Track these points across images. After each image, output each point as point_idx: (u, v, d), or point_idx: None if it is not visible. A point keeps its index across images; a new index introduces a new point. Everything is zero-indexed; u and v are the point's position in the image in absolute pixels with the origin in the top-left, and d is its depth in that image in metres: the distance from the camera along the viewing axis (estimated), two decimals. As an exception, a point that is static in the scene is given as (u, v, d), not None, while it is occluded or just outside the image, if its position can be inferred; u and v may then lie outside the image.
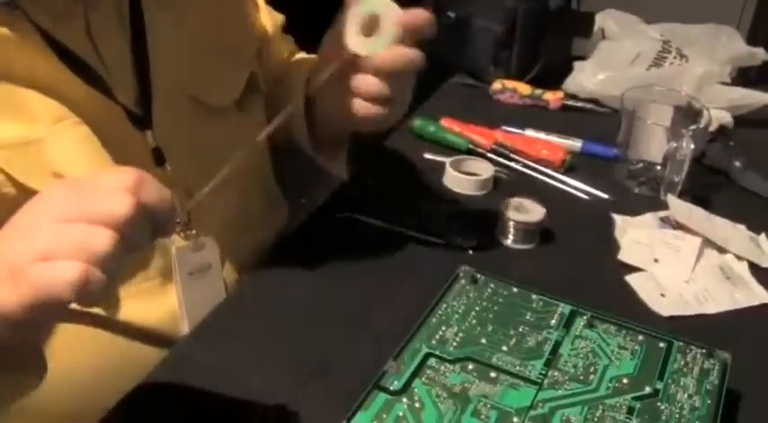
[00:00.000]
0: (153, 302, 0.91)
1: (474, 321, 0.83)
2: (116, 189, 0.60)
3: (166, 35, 0.91)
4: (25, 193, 0.75)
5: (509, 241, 1.05)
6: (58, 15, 0.80)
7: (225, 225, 0.98)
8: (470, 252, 1.02)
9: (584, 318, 0.85)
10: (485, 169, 1.18)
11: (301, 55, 1.21)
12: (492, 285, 0.88)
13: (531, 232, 1.05)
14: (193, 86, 0.95)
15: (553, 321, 0.84)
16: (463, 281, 0.89)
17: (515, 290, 0.88)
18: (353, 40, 0.83)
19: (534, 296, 0.87)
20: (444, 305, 0.85)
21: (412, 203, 1.09)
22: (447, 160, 1.19)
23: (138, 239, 0.61)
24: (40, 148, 0.79)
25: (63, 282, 0.56)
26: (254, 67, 1.06)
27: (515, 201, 1.06)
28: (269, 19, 1.15)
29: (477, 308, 0.85)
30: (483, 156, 1.23)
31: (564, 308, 0.86)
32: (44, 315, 0.61)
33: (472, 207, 1.12)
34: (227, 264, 0.99)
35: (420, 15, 0.84)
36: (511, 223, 1.04)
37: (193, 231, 0.93)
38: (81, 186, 0.61)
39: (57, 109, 0.80)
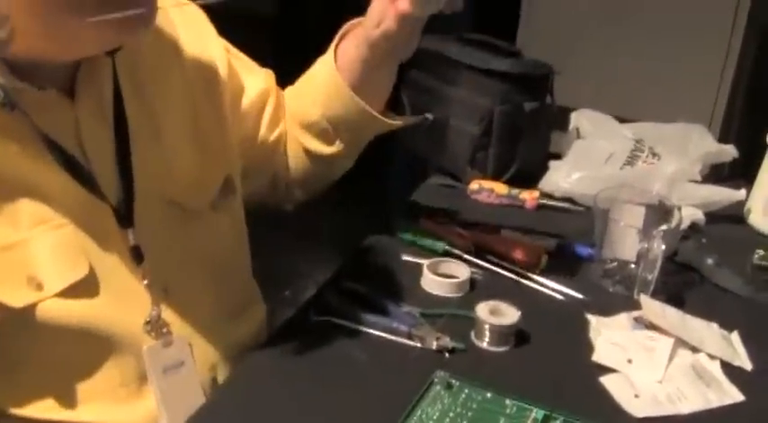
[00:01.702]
0: (131, 406, 0.93)
1: (448, 428, 0.84)
2: None
3: (148, 141, 0.95)
4: None
5: (485, 344, 1.07)
6: (49, 114, 0.84)
7: (200, 322, 1.00)
8: (446, 355, 1.03)
9: (558, 422, 0.86)
10: (461, 271, 1.20)
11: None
12: (466, 391, 0.90)
13: (506, 335, 1.07)
14: (171, 190, 0.98)
15: (527, 426, 0.85)
16: (438, 387, 0.90)
17: (489, 395, 0.89)
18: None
19: (508, 401, 0.89)
20: (419, 411, 0.86)
21: (389, 306, 1.11)
22: (424, 262, 1.21)
23: None
24: (18, 251, 0.82)
25: None
26: (230, 170, 1.09)
27: (490, 304, 1.08)
28: (261, 77, 1.20)
29: (451, 414, 0.86)
30: (460, 257, 1.26)
31: (537, 413, 0.87)
32: None
33: (449, 309, 1.13)
34: (201, 361, 1.00)
35: None
36: (486, 326, 1.06)
37: (164, 329, 0.94)
38: None
39: (40, 211, 0.83)
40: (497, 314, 1.07)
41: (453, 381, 0.91)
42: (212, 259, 1.04)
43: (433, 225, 1.33)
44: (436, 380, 0.91)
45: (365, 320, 1.07)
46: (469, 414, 0.86)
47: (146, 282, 0.92)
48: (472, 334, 1.08)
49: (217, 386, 1.01)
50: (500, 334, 1.06)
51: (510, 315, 1.07)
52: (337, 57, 1.15)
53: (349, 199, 1.81)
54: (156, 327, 0.93)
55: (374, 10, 1.06)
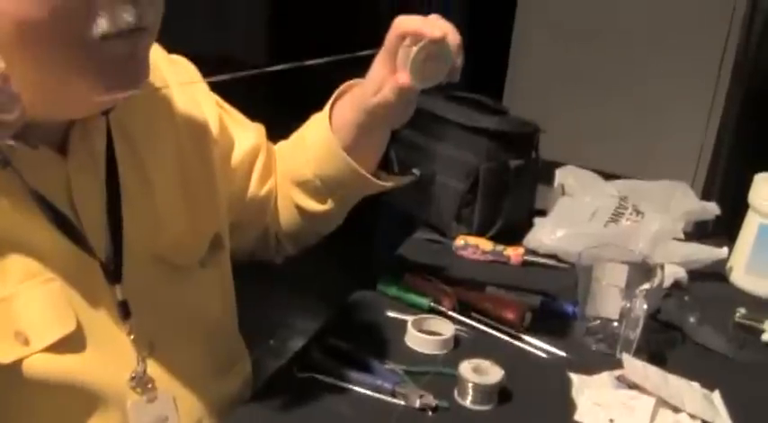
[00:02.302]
0: None
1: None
2: None
3: (139, 198, 0.96)
4: None
5: (468, 402, 1.07)
6: (40, 171, 0.85)
7: (186, 378, 1.00)
8: (429, 413, 1.04)
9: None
10: (446, 328, 1.21)
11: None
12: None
13: (490, 394, 1.07)
14: (161, 247, 0.99)
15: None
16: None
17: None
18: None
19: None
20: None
21: (373, 363, 1.12)
22: (409, 319, 1.22)
23: None
24: (5, 306, 0.82)
25: None
26: (219, 228, 1.10)
27: (474, 362, 1.09)
28: (252, 132, 1.21)
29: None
30: (444, 314, 1.27)
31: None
32: None
33: (433, 367, 1.14)
34: (186, 417, 1.00)
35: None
36: (469, 385, 1.07)
37: (149, 385, 0.95)
38: None
39: (29, 266, 0.83)
40: (481, 372, 1.08)
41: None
42: (199, 316, 1.05)
43: (418, 281, 1.34)
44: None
45: (349, 377, 1.08)
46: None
47: (132, 337, 0.93)
48: (455, 392, 1.08)
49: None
50: (483, 392, 1.07)
51: (493, 373, 1.08)
52: (332, 117, 1.16)
53: (336, 251, 1.82)
54: (141, 382, 0.94)
55: (373, 77, 1.08)
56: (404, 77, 1.03)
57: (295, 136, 1.25)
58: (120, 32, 0.79)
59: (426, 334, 1.20)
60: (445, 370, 1.12)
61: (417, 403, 1.05)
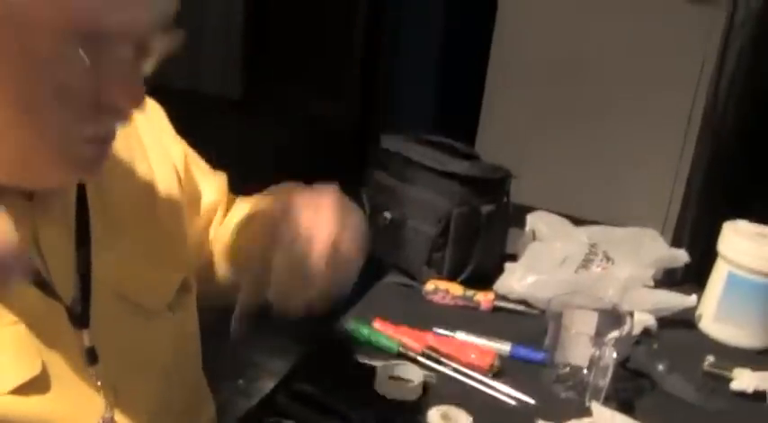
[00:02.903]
0: None
1: None
2: None
3: (108, 242, 0.95)
4: None
5: None
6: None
7: (153, 420, 0.99)
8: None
9: None
10: (415, 375, 1.20)
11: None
12: None
13: None
14: (129, 291, 0.98)
15: None
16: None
17: None
18: None
19: None
20: None
21: (342, 409, 1.11)
22: (378, 364, 1.21)
23: None
24: None
25: None
26: (187, 272, 1.09)
27: (442, 409, 1.09)
28: (215, 186, 1.19)
29: None
30: (413, 359, 1.26)
31: None
32: None
33: (402, 413, 1.13)
34: None
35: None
36: None
37: None
38: None
39: None
40: (449, 419, 1.07)
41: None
42: (165, 359, 1.03)
43: (387, 325, 1.34)
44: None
45: (317, 423, 1.07)
46: None
47: (99, 383, 0.91)
48: None
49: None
50: None
51: (461, 420, 1.07)
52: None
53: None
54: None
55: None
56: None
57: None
58: (96, 138, 0.81)
59: (395, 380, 1.19)
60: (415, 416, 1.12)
61: None
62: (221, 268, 1.16)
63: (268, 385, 1.17)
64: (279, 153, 2.55)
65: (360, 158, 1.83)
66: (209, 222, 1.19)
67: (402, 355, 1.27)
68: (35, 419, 0.84)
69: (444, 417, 1.08)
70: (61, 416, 0.87)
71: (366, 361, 1.26)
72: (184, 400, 1.08)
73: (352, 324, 1.33)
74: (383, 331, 1.32)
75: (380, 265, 1.65)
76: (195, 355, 1.13)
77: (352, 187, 1.77)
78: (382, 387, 1.19)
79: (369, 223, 1.66)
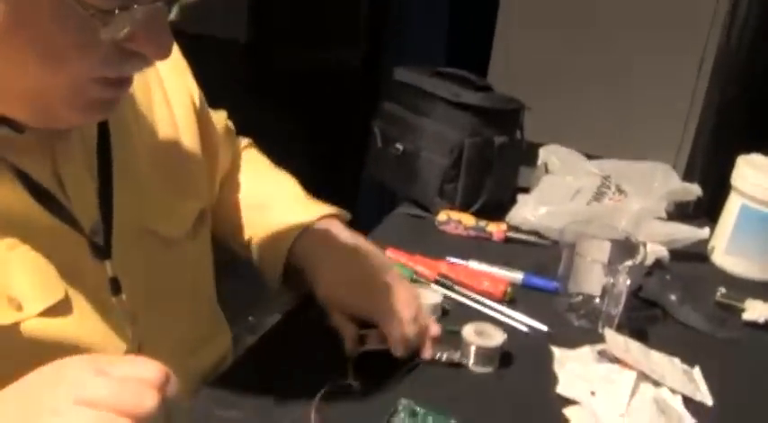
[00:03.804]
0: None
1: (412, 455, 0.84)
2: (145, 383, 0.66)
3: (127, 173, 0.95)
4: None
5: (470, 364, 1.09)
6: (26, 152, 0.83)
7: (173, 349, 0.99)
8: (432, 369, 1.03)
9: (521, 452, 0.86)
10: (432, 296, 1.21)
11: (248, 153, 1.27)
12: (431, 418, 0.90)
13: (491, 357, 1.10)
14: (150, 219, 0.98)
15: (490, 455, 0.85)
16: (402, 414, 0.90)
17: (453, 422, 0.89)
18: None
19: (472, 430, 0.89)
20: (383, 438, 0.86)
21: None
22: None
23: None
24: None
25: None
26: (204, 203, 1.09)
27: (476, 325, 1.12)
28: (216, 124, 1.19)
29: (415, 441, 0.86)
30: (427, 286, 1.26)
31: (501, 441, 0.88)
32: None
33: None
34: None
35: None
36: (472, 347, 1.09)
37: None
38: (108, 371, 0.67)
39: (15, 237, 0.82)
40: (484, 335, 1.10)
41: (418, 408, 0.91)
42: (185, 289, 1.04)
43: (400, 254, 1.34)
44: (400, 407, 0.91)
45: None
46: (433, 442, 0.86)
47: (122, 313, 0.92)
48: (459, 353, 1.10)
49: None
50: (485, 355, 1.09)
51: (497, 337, 1.09)
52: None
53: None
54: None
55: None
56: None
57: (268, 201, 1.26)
58: (117, 81, 0.80)
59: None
60: (449, 328, 1.13)
61: (444, 358, 1.09)
62: (242, 239, 1.21)
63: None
64: (290, 91, 2.52)
65: (372, 92, 1.82)
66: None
67: (415, 282, 1.27)
68: (62, 343, 0.85)
69: (479, 333, 1.09)
70: (87, 343, 0.87)
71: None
72: (203, 330, 1.09)
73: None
74: (396, 260, 1.32)
75: (392, 198, 1.65)
76: (212, 286, 1.14)
77: (364, 120, 1.77)
78: None
79: (381, 155, 1.66)
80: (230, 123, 1.25)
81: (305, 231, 1.16)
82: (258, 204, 1.23)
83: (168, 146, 1.03)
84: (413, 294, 1.11)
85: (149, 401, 0.65)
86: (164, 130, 1.03)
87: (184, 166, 1.05)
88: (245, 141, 1.28)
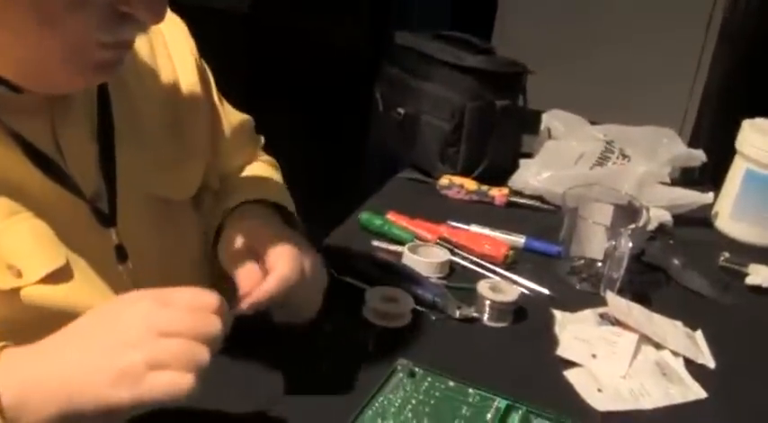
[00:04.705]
0: None
1: (410, 414, 0.83)
2: (208, 309, 0.72)
3: (131, 139, 0.93)
4: None
5: (484, 319, 1.10)
6: (24, 114, 0.82)
7: None
8: (448, 324, 1.04)
9: (520, 412, 0.86)
10: (440, 254, 1.21)
11: (257, 164, 1.20)
12: (429, 379, 0.89)
13: (505, 312, 1.10)
14: (155, 184, 0.97)
15: (489, 415, 0.85)
16: (401, 374, 0.89)
17: (452, 384, 0.89)
18: None
19: (471, 390, 0.88)
20: (381, 398, 0.85)
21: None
22: (404, 247, 1.22)
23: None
24: None
25: (180, 390, 0.68)
26: (207, 160, 1.07)
27: (491, 281, 1.13)
28: (227, 118, 1.17)
29: (413, 401, 0.85)
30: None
31: (500, 402, 0.87)
32: (141, 411, 0.70)
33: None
34: None
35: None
36: (487, 302, 1.09)
37: None
38: (172, 302, 0.72)
39: (12, 204, 0.81)
40: (498, 291, 1.10)
41: (416, 369, 0.90)
42: (191, 257, 1.03)
43: (401, 217, 1.33)
44: (399, 367, 0.90)
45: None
46: (432, 402, 0.86)
47: (128, 280, 0.91)
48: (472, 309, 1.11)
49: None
50: (500, 311, 1.10)
51: (511, 293, 1.11)
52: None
53: (320, 189, 1.81)
54: None
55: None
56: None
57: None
58: (114, 44, 0.79)
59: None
60: (463, 285, 1.15)
61: (457, 314, 1.09)
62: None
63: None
64: (289, 59, 2.50)
65: (374, 57, 1.80)
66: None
67: (419, 241, 1.27)
68: (64, 310, 0.84)
69: (494, 288, 1.10)
70: (89, 303, 0.86)
71: (385, 246, 1.27)
72: None
73: (365, 215, 1.32)
74: (397, 222, 1.31)
75: (394, 162, 1.64)
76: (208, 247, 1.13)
77: (365, 84, 1.75)
78: (411, 264, 1.20)
79: (383, 119, 1.65)
80: (258, 137, 1.23)
81: (235, 209, 1.06)
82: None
83: (171, 101, 1.01)
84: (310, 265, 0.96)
85: (216, 326, 0.71)
86: (167, 86, 1.01)
87: (188, 120, 1.04)
88: (265, 156, 1.24)
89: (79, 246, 0.85)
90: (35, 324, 0.83)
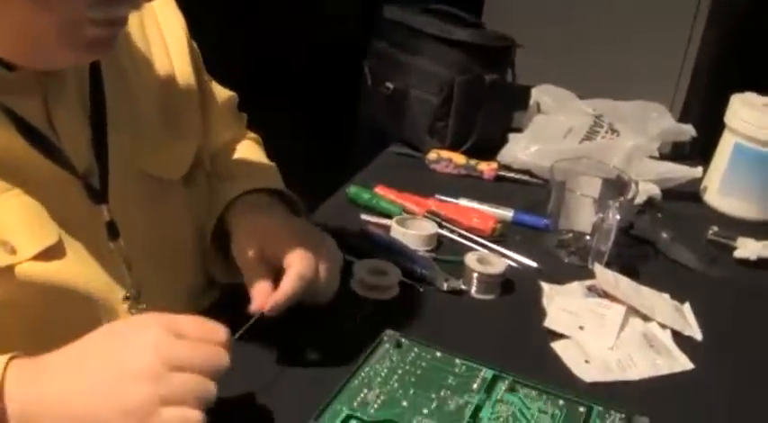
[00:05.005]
0: None
1: (396, 384, 0.83)
2: (217, 344, 0.72)
3: (122, 113, 0.93)
4: None
5: (472, 291, 1.10)
6: (17, 93, 0.82)
7: (172, 296, 0.98)
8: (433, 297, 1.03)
9: (506, 382, 0.85)
10: (427, 227, 1.20)
11: (244, 144, 1.19)
12: (416, 349, 0.89)
13: (493, 284, 1.11)
14: (147, 162, 0.96)
15: (475, 385, 0.85)
16: (387, 345, 0.89)
17: (439, 354, 0.88)
18: None
19: (458, 361, 0.88)
20: (367, 368, 0.85)
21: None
22: (392, 221, 1.22)
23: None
24: None
25: None
26: (199, 141, 1.07)
27: (478, 253, 1.13)
28: (215, 96, 1.16)
29: (399, 371, 0.85)
30: (418, 220, 1.26)
31: (486, 372, 0.87)
32: None
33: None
34: None
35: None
36: (474, 274, 1.10)
37: (143, 305, 0.92)
38: (182, 332, 0.72)
39: (7, 180, 0.81)
40: (486, 263, 1.11)
41: (403, 339, 0.90)
42: (181, 235, 1.02)
43: (389, 191, 1.32)
44: (386, 338, 0.90)
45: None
46: (418, 372, 0.85)
47: (119, 257, 0.91)
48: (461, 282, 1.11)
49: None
50: (487, 283, 1.10)
51: (498, 265, 1.11)
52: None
53: (309, 163, 1.80)
54: (134, 304, 0.91)
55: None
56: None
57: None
58: (107, 22, 0.78)
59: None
60: (451, 258, 1.15)
61: (444, 287, 1.09)
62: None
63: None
64: (280, 32, 2.49)
65: (363, 31, 1.79)
66: None
67: (407, 215, 1.27)
68: (58, 287, 0.84)
69: (481, 261, 1.10)
70: (84, 288, 0.86)
71: (374, 219, 1.27)
72: (194, 280, 1.07)
73: (353, 188, 1.32)
74: (385, 196, 1.31)
75: (382, 136, 1.63)
76: (205, 236, 1.12)
77: (354, 59, 1.74)
78: (399, 237, 1.19)
79: (372, 94, 1.64)
80: (240, 113, 1.22)
81: (236, 201, 1.06)
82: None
83: (164, 81, 1.01)
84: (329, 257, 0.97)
85: (225, 360, 0.72)
86: (159, 65, 1.01)
87: (181, 101, 1.03)
88: (251, 134, 1.23)
89: (71, 223, 0.85)
90: (30, 303, 0.83)
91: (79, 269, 0.85)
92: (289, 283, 0.88)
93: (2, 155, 0.80)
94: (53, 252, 0.83)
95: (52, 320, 0.84)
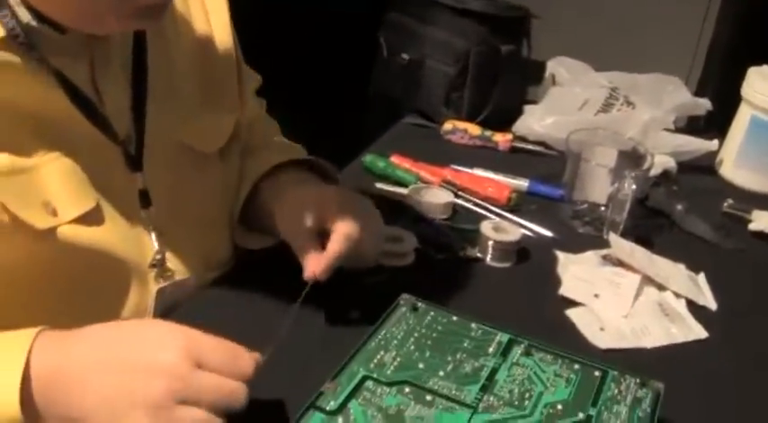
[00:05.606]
0: None
1: (412, 347, 0.84)
2: (242, 380, 0.69)
3: (163, 83, 0.94)
4: (16, 223, 0.77)
5: (488, 259, 1.11)
6: (66, 56, 0.82)
7: (195, 266, 0.99)
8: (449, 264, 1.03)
9: (522, 346, 0.86)
10: (444, 196, 1.21)
11: (261, 125, 1.20)
12: (432, 313, 0.89)
13: (509, 252, 1.11)
14: (185, 133, 0.97)
15: (491, 349, 0.85)
16: (404, 308, 0.89)
17: (455, 318, 0.89)
18: None
19: (473, 325, 0.88)
20: (384, 331, 0.85)
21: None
22: (408, 189, 1.23)
23: None
24: (31, 176, 0.80)
25: None
26: (237, 114, 1.07)
27: (494, 221, 1.13)
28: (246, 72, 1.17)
29: (415, 334, 0.86)
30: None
31: (502, 336, 0.87)
32: None
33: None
34: None
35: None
36: (490, 242, 1.10)
37: (169, 273, 0.93)
38: (205, 362, 0.69)
39: (49, 142, 0.81)
40: (501, 231, 1.11)
41: (419, 303, 0.90)
42: (212, 208, 1.03)
43: (404, 160, 1.33)
44: (402, 302, 0.90)
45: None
46: (434, 335, 0.86)
47: (150, 225, 0.91)
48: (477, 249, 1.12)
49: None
50: (502, 251, 1.10)
51: (513, 233, 1.11)
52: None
53: (324, 133, 1.80)
54: (161, 271, 0.92)
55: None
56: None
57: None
58: None
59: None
60: (467, 226, 1.16)
61: (460, 254, 1.10)
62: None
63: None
64: (294, 3, 2.48)
65: (378, 2, 1.78)
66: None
67: (422, 184, 1.27)
68: (94, 251, 0.85)
69: (497, 229, 1.11)
70: (116, 253, 0.87)
71: (389, 188, 1.27)
72: (223, 251, 1.08)
73: (369, 157, 1.32)
74: (400, 164, 1.31)
75: (398, 106, 1.63)
76: (237, 204, 1.12)
77: (370, 30, 1.74)
78: (415, 206, 1.20)
79: (387, 65, 1.64)
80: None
81: (272, 174, 1.09)
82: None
83: (206, 54, 1.01)
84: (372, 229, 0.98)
85: (242, 400, 0.69)
86: (202, 38, 1.01)
87: (221, 75, 1.04)
88: (272, 121, 1.24)
89: (107, 188, 0.86)
90: (66, 266, 0.84)
91: (114, 235, 0.87)
92: (336, 244, 0.90)
93: (47, 116, 0.81)
94: (91, 217, 0.84)
95: (85, 284, 0.86)
